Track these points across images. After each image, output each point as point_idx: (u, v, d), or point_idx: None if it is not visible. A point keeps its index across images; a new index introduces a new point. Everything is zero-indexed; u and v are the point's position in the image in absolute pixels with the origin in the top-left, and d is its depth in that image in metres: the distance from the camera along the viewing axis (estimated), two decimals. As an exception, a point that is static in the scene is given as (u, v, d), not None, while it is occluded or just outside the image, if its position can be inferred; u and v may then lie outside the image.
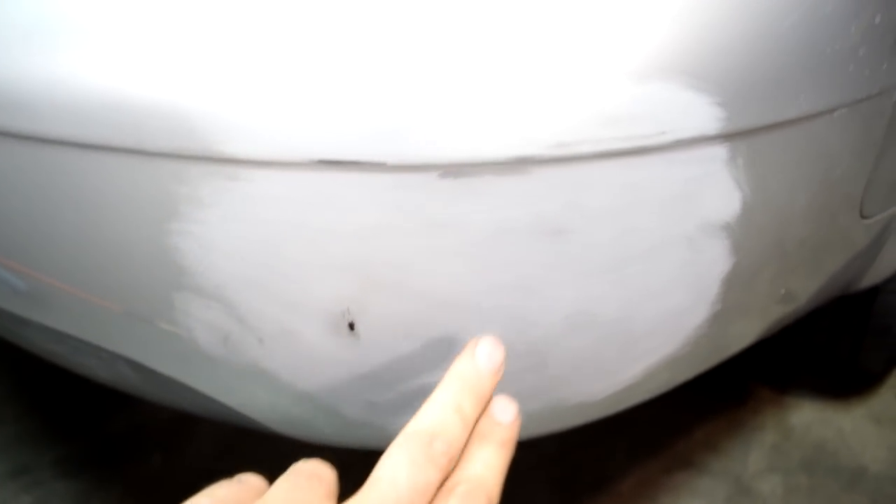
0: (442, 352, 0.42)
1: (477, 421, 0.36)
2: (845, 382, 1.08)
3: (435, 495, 0.32)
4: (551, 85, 0.35)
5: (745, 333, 0.65)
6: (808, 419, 1.04)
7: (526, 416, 0.50)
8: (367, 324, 0.41)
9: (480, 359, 0.37)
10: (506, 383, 0.46)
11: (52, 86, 0.37)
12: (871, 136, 0.55)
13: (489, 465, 0.34)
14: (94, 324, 0.49)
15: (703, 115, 0.38)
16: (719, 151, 0.41)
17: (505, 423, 0.36)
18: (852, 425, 1.03)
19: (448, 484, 0.33)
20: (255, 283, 0.40)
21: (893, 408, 1.06)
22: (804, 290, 0.68)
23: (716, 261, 0.46)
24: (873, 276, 0.81)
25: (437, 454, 0.32)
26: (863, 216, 0.63)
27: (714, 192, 0.42)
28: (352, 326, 0.41)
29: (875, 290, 0.89)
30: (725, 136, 0.40)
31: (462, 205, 0.37)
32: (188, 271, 0.40)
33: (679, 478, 0.94)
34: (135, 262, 0.42)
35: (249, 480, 0.34)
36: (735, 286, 0.51)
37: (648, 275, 0.43)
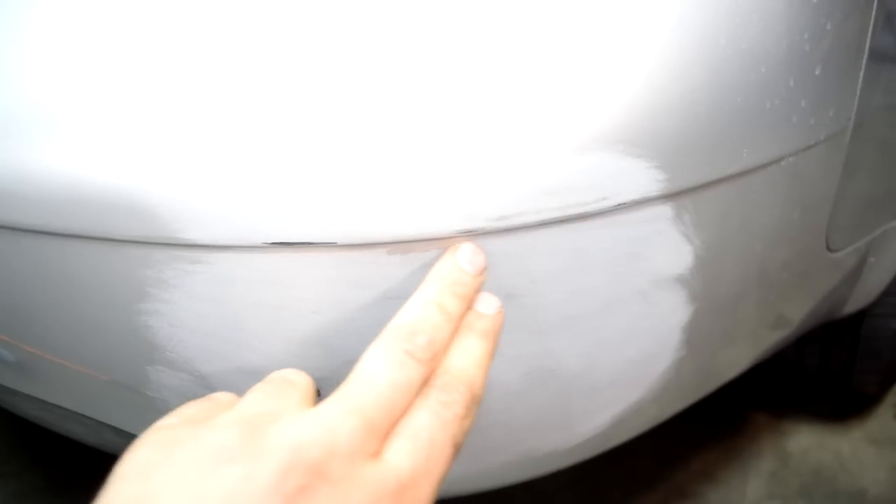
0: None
1: (462, 312, 0.36)
2: (842, 405, 1.08)
3: (418, 390, 0.31)
4: (490, 162, 0.37)
5: (735, 361, 0.66)
6: (806, 444, 1.04)
7: (496, 468, 0.51)
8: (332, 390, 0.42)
9: (462, 260, 0.37)
10: (472, 438, 0.47)
11: (21, 178, 0.39)
12: (827, 177, 0.56)
13: (471, 355, 0.34)
14: (78, 394, 0.51)
15: (642, 178, 0.40)
16: (664, 210, 0.42)
17: (488, 314, 0.36)
18: (850, 448, 1.03)
19: (430, 377, 0.32)
20: (222, 357, 0.42)
21: (891, 428, 1.06)
22: (786, 318, 0.69)
23: (673, 311, 0.48)
24: (855, 302, 0.82)
25: (417, 349, 0.32)
26: (830, 250, 0.64)
27: (663, 248, 0.44)
28: (319, 393, 0.43)
29: (861, 315, 0.90)
30: (668, 196, 0.42)
31: (411, 278, 0.38)
32: (159, 347, 0.42)
33: (676, 510, 0.94)
34: (111, 337, 0.44)
35: (219, 397, 0.33)
36: (704, 328, 0.52)
37: (604, 329, 0.45)
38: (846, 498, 0.95)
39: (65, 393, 0.52)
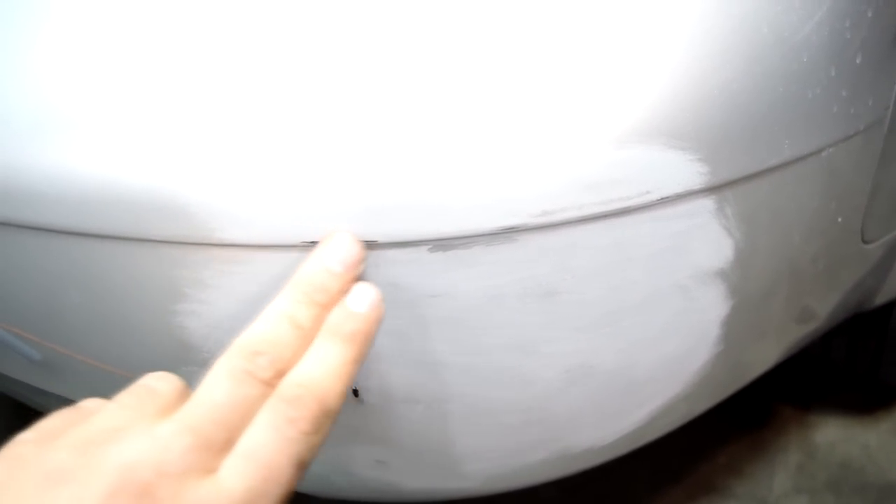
0: (442, 412, 0.43)
1: (322, 321, 0.33)
2: (869, 397, 1.07)
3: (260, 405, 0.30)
4: (533, 157, 0.36)
5: (765, 356, 0.65)
6: (833, 437, 1.02)
7: (532, 466, 0.51)
8: (370, 390, 0.42)
9: (330, 259, 0.34)
10: (509, 435, 0.46)
11: (54, 180, 0.38)
12: (864, 167, 0.55)
13: (327, 364, 0.32)
14: (106, 393, 0.51)
15: (685, 171, 0.39)
16: (706, 204, 0.41)
17: (357, 314, 0.33)
18: (878, 441, 1.01)
19: (278, 389, 0.30)
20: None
21: (920, 421, 1.04)
22: (817, 312, 0.68)
23: (713, 305, 0.47)
24: (886, 293, 0.81)
25: (258, 369, 0.30)
26: (865, 241, 0.63)
27: (704, 242, 0.43)
28: (356, 393, 0.42)
29: (890, 306, 0.88)
30: (711, 189, 0.41)
31: (453, 275, 0.38)
32: (194, 347, 0.42)
33: (703, 504, 0.94)
34: (145, 338, 0.44)
35: (86, 405, 0.32)
36: (740, 323, 0.51)
37: (644, 325, 0.44)
38: (874, 491, 0.94)
39: (93, 392, 0.52)
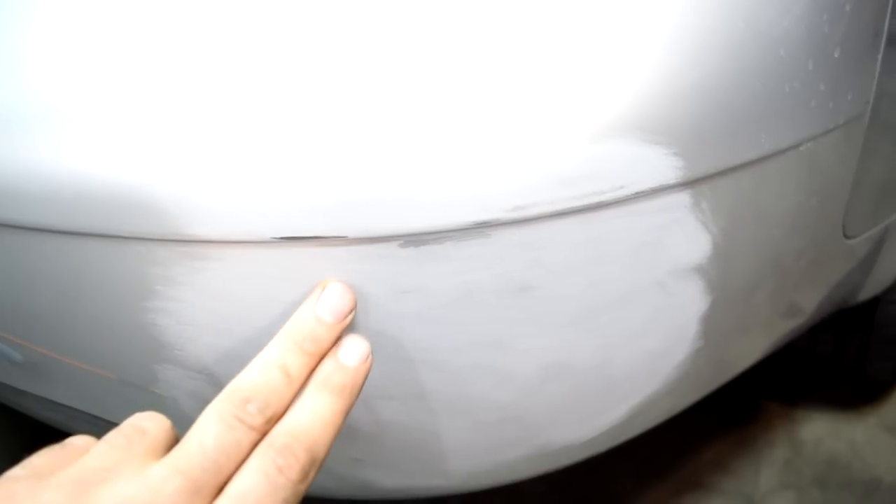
0: (417, 409, 0.43)
1: (314, 370, 0.34)
2: (856, 392, 1.07)
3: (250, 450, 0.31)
4: (505, 151, 0.36)
5: (750, 351, 0.65)
6: (820, 432, 1.03)
7: (511, 463, 0.51)
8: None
9: (322, 309, 0.35)
10: (486, 432, 0.46)
11: (24, 176, 0.38)
12: (844, 162, 0.55)
13: (318, 414, 0.33)
14: (87, 393, 0.51)
15: (660, 166, 0.39)
16: (682, 198, 0.41)
17: (348, 367, 0.35)
18: (865, 436, 1.02)
19: (268, 436, 0.31)
20: (234, 355, 0.41)
21: (907, 416, 1.05)
22: (800, 307, 0.68)
23: (691, 301, 0.47)
24: (870, 289, 0.81)
25: (248, 416, 0.31)
26: (847, 237, 0.63)
27: (681, 237, 0.43)
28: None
29: (875, 302, 0.88)
30: (686, 184, 0.41)
31: (425, 270, 0.37)
32: (168, 345, 0.42)
33: (689, 500, 0.93)
34: (119, 335, 0.43)
35: (74, 443, 0.33)
36: (721, 318, 0.51)
37: (622, 321, 0.44)
38: (861, 486, 0.94)
39: (73, 392, 0.52)
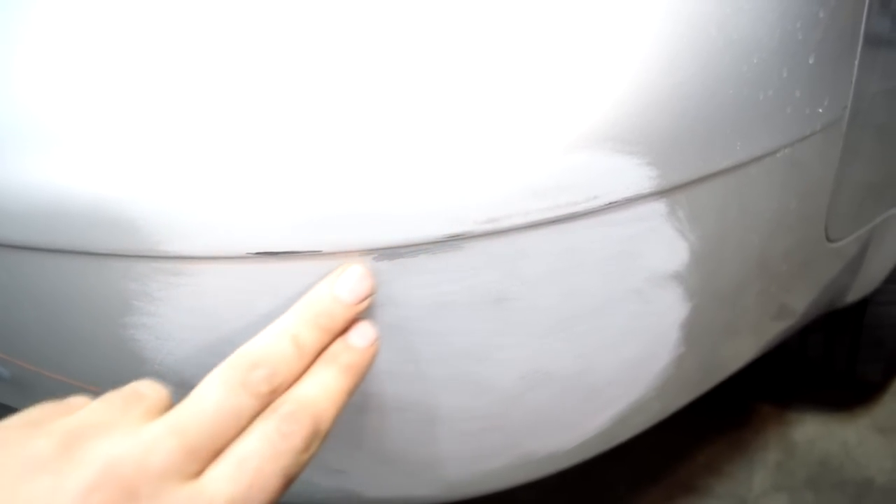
0: (397, 420, 0.43)
1: (323, 350, 0.34)
2: (847, 394, 1.08)
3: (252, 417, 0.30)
4: (477, 164, 0.36)
5: (738, 354, 0.65)
6: (812, 434, 1.03)
7: (496, 471, 0.51)
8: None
9: (341, 289, 0.35)
10: (467, 442, 0.46)
11: (1, 194, 0.38)
12: (824, 167, 0.55)
13: (326, 388, 0.33)
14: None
15: (633, 176, 0.39)
16: (657, 207, 0.41)
17: (357, 348, 0.35)
18: (857, 437, 1.02)
19: (274, 404, 0.31)
20: (211, 368, 0.41)
21: (898, 416, 1.05)
22: (787, 310, 0.68)
23: (670, 308, 0.47)
24: (858, 291, 0.81)
25: (254, 381, 0.31)
26: (830, 240, 0.63)
27: (657, 245, 0.43)
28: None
29: (864, 303, 0.89)
30: (661, 193, 0.41)
31: (399, 283, 0.38)
32: (147, 360, 0.42)
33: (682, 504, 0.94)
34: (100, 351, 0.43)
35: (73, 401, 0.32)
36: (705, 322, 0.51)
37: (600, 330, 0.44)
38: (853, 487, 0.95)
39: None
